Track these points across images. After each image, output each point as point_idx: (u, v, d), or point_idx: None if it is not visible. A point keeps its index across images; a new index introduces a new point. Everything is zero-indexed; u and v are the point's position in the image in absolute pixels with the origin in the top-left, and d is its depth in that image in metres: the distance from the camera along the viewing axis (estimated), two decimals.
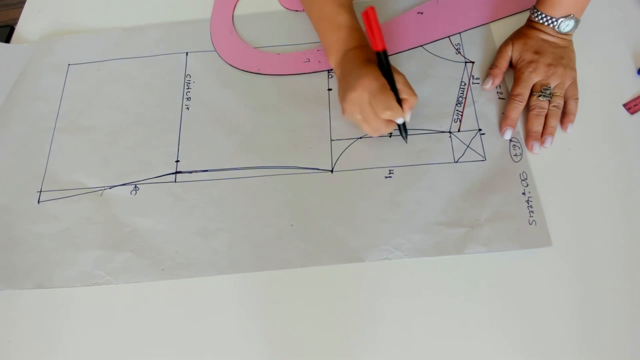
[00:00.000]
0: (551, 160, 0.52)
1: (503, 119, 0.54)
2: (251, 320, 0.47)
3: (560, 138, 0.53)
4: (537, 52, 0.54)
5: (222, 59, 0.62)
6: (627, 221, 0.48)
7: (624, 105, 0.54)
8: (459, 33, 0.61)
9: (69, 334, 0.48)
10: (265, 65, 0.61)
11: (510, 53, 0.56)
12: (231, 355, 0.46)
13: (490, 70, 0.57)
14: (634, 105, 0.54)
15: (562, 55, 0.54)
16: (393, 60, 0.58)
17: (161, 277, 0.49)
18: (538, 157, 0.52)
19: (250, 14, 0.66)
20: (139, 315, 0.48)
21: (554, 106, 0.53)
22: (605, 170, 0.51)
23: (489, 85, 0.56)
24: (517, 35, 0.56)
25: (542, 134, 0.53)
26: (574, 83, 0.54)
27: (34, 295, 0.50)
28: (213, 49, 0.63)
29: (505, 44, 0.57)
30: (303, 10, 0.65)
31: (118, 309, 0.49)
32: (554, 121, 0.53)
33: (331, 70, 0.60)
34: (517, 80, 0.55)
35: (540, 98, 0.53)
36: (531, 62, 0.54)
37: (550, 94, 0.53)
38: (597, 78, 0.56)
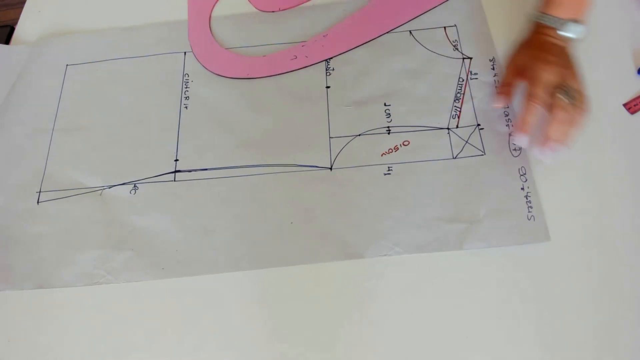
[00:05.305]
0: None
1: (517, 122, 0.48)
2: (251, 318, 0.47)
3: None
4: (545, 57, 0.49)
5: (212, 72, 0.61)
6: (626, 218, 0.48)
7: (624, 105, 0.54)
8: (455, 26, 0.60)
9: (69, 333, 0.48)
10: (254, 69, 0.60)
11: (518, 64, 0.52)
12: (232, 352, 0.46)
13: (499, 88, 0.54)
14: (634, 105, 0.54)
15: (569, 58, 0.50)
16: (384, 40, 0.60)
17: (162, 275, 0.50)
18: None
19: (225, 15, 0.65)
20: (140, 314, 0.48)
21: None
22: (604, 169, 0.51)
23: (499, 104, 0.53)
24: (523, 44, 0.53)
25: (556, 140, 0.47)
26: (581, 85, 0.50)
27: (34, 295, 0.50)
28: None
29: (511, 58, 0.53)
30: (278, 11, 0.64)
31: (119, 308, 0.49)
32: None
33: (329, 67, 0.60)
34: (531, 80, 0.48)
35: (564, 98, 0.47)
36: (544, 62, 0.49)
37: (572, 95, 0.47)
38: (597, 78, 0.55)
